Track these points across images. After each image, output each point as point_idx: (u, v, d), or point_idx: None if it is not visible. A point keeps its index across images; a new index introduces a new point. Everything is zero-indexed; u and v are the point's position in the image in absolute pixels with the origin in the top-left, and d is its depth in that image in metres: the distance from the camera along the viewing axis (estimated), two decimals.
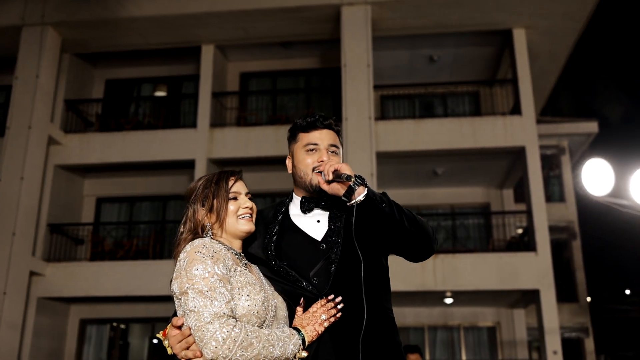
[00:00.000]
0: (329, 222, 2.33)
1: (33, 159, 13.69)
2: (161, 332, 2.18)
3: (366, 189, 2.19)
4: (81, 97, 15.66)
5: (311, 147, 2.37)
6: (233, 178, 2.29)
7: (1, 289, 12.66)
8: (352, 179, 2.14)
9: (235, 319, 1.96)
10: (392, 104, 16.31)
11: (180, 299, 2.01)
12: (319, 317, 2.12)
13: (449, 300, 14.54)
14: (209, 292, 1.92)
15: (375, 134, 13.39)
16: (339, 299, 2.16)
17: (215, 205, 2.21)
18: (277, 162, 14.33)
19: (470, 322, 15.42)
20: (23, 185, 13.37)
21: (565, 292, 17.64)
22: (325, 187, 2.25)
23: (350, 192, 2.17)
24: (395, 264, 11.26)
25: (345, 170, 2.17)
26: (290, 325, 2.16)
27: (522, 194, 14.89)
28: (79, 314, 14.81)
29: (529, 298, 13.74)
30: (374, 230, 2.22)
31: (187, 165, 14.22)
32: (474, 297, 14.20)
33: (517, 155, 13.80)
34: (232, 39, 14.98)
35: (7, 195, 13.27)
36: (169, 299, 11.36)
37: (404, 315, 15.24)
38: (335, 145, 2.40)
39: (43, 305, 13.66)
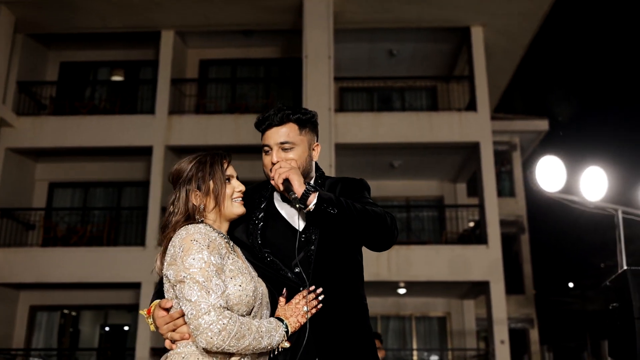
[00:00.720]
0: (306, 215, 2.36)
1: None
2: (145, 309, 2.24)
3: (316, 196, 2.23)
4: (35, 79, 15.28)
5: (265, 148, 2.39)
6: (226, 161, 2.30)
7: None
8: (296, 199, 2.20)
9: (229, 309, 2.03)
10: (351, 96, 16.47)
11: (175, 286, 2.04)
12: (301, 308, 2.20)
13: (402, 291, 14.84)
14: (206, 283, 1.97)
15: (334, 125, 13.51)
16: (319, 290, 2.25)
17: (213, 188, 2.22)
18: (236, 151, 14.30)
19: (421, 312, 15.77)
20: None
21: (513, 284, 18.16)
22: (281, 190, 2.30)
23: (304, 199, 2.22)
24: None
25: (294, 181, 2.22)
26: (273, 313, 2.24)
27: (474, 188, 15.29)
28: (29, 301, 14.51)
29: (479, 289, 14.14)
30: (330, 231, 2.30)
31: (144, 152, 14.07)
32: (426, 288, 14.54)
33: (472, 150, 14.13)
34: (193, 25, 14.85)
35: None
36: (122, 286, 11.33)
37: None
38: (286, 142, 2.36)
39: None
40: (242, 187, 2.30)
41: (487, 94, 13.98)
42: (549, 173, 6.85)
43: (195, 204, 2.22)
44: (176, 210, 2.24)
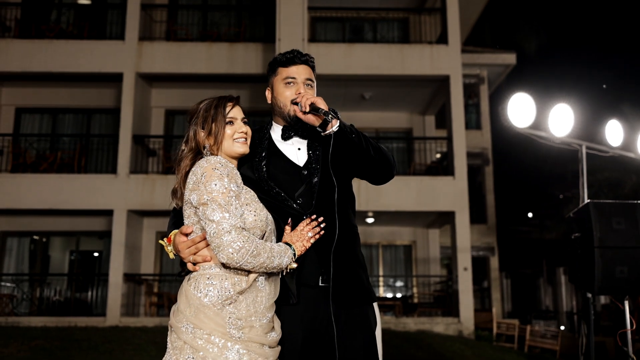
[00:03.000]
0: (307, 151, 2.65)
1: None
2: (165, 238, 2.48)
3: (339, 121, 2.50)
4: None
5: (289, 80, 2.62)
6: (231, 104, 2.47)
7: None
8: (327, 113, 2.44)
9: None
10: (322, 26, 16.36)
11: (198, 208, 2.27)
12: (305, 234, 2.46)
13: (370, 220, 15.27)
14: (227, 206, 2.21)
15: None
16: (321, 218, 2.49)
17: (214, 129, 2.41)
18: (209, 80, 14.25)
19: (388, 241, 16.31)
20: None
21: (476, 214, 18.79)
22: (301, 116, 2.54)
23: (324, 123, 2.48)
24: None
25: (321, 104, 2.45)
26: (279, 240, 2.49)
27: (443, 120, 15.57)
28: None
29: (444, 219, 14.65)
30: (344, 157, 2.57)
31: (115, 79, 13.91)
32: (394, 218, 15.01)
33: (442, 83, 14.32)
34: None
35: None
36: (93, 213, 11.47)
37: None
38: (310, 79, 2.66)
39: None
40: (245, 129, 2.48)
41: (458, 27, 14.08)
42: (520, 109, 7.10)
43: (200, 141, 2.44)
44: (187, 146, 2.47)
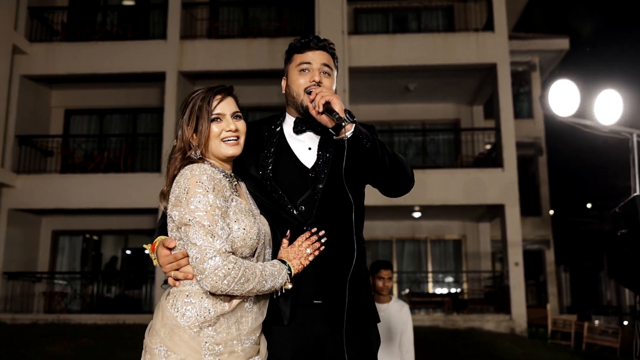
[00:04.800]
0: (318, 151, 2.37)
1: None
2: (149, 244, 2.24)
3: (354, 125, 2.19)
4: (46, 5, 15.08)
5: (304, 66, 2.35)
6: (218, 97, 2.18)
7: None
8: (341, 119, 2.13)
9: (234, 253, 2.02)
10: (365, 18, 16.07)
11: (180, 228, 2.03)
12: (304, 250, 2.20)
13: (417, 214, 14.94)
14: (211, 227, 1.95)
15: (348, 49, 13.27)
16: (322, 233, 2.24)
17: (199, 127, 2.14)
18: (249, 76, 14.19)
19: (437, 235, 15.92)
20: None
21: (529, 206, 18.17)
22: (313, 113, 2.23)
23: (338, 127, 2.18)
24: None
25: (336, 105, 2.15)
26: (275, 251, 2.24)
27: (491, 110, 15.06)
28: (51, 226, 14.88)
29: (494, 212, 14.18)
30: (356, 165, 2.27)
31: (158, 78, 14.00)
32: (441, 211, 14.61)
33: (489, 71, 13.85)
34: None
35: None
36: (140, 211, 11.52)
37: (374, 229, 15.64)
38: (328, 66, 2.38)
39: (14, 216, 13.68)
40: (234, 127, 2.18)
41: (504, 13, 13.57)
42: (562, 97, 6.71)
43: (186, 140, 2.17)
44: (177, 147, 2.20)
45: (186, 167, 2.08)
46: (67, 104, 15.43)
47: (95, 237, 15.87)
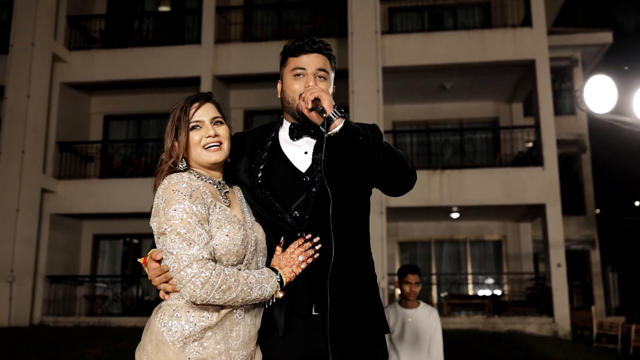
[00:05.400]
0: (313, 154, 2.28)
1: (38, 76, 13.63)
2: (142, 258, 2.20)
3: (344, 120, 2.12)
4: (84, 13, 15.36)
5: (298, 71, 2.28)
6: (196, 105, 2.15)
7: (14, 205, 12.92)
8: (325, 113, 2.09)
9: (215, 260, 1.96)
10: (400, 16, 15.88)
11: (159, 238, 1.99)
12: (296, 258, 2.11)
13: (455, 215, 14.68)
14: (188, 235, 1.90)
15: (381, 48, 13.13)
16: (316, 239, 2.15)
17: (179, 137, 2.12)
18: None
19: (476, 236, 15.62)
20: (30, 103, 13.39)
21: (573, 205, 17.70)
22: (305, 112, 2.20)
23: (328, 122, 2.12)
24: None
25: (325, 100, 2.11)
26: (269, 260, 2.16)
27: (531, 107, 14.72)
28: (91, 230, 15.15)
29: (535, 212, 13.83)
30: (350, 163, 2.18)
31: (193, 82, 14.09)
32: (481, 212, 14.33)
33: (527, 68, 13.54)
34: None
35: (14, 113, 13.31)
36: None
37: (412, 230, 15.47)
38: (324, 70, 2.30)
39: (56, 221, 13.98)
40: (212, 132, 2.13)
41: (543, 8, 13.23)
42: (599, 93, 6.47)
43: (170, 151, 2.14)
44: (164, 158, 2.16)
45: (166, 178, 2.05)
46: (106, 110, 15.69)
47: (135, 241, 16.08)
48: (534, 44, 13.15)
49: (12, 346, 10.17)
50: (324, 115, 2.10)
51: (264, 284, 2.00)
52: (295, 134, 2.32)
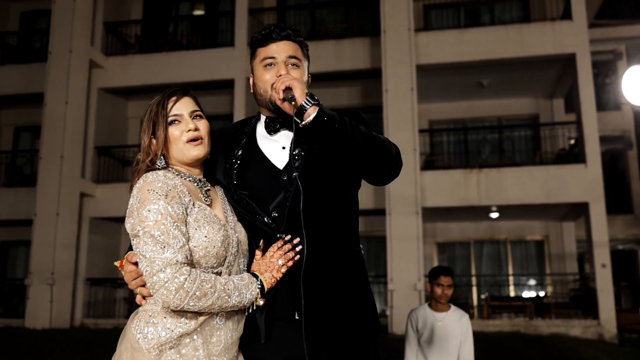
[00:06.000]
0: (291, 150, 2.13)
1: (76, 82, 13.86)
2: (119, 261, 2.10)
3: (317, 108, 1.97)
4: (120, 19, 15.57)
5: (268, 61, 2.15)
6: (173, 98, 2.05)
7: (54, 209, 13.15)
8: (292, 98, 1.96)
9: (191, 264, 1.84)
10: (435, 13, 15.61)
11: (133, 240, 1.89)
12: (275, 262, 1.98)
13: (494, 215, 14.34)
14: (162, 237, 1.79)
15: (415, 46, 12.91)
16: (296, 240, 2.01)
17: (157, 133, 2.01)
18: (316, 79, 14.08)
19: (517, 236, 15.22)
20: (68, 109, 13.62)
21: (619, 204, 17.12)
22: (278, 103, 2.07)
23: (301, 111, 1.98)
24: (437, 181, 11.07)
25: (297, 89, 1.97)
26: (250, 264, 2.05)
27: (573, 103, 14.27)
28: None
29: (579, 211, 13.39)
30: (328, 154, 2.04)
31: (228, 85, 14.13)
32: (521, 211, 13.94)
33: (568, 62, 13.13)
34: None
35: (53, 119, 13.56)
36: None
37: (450, 230, 15.17)
38: (295, 57, 2.16)
39: (95, 224, 14.18)
40: (193, 126, 2.03)
41: (583, 1, 12.80)
42: (638, 84, 6.18)
43: (148, 149, 2.03)
44: (140, 159, 2.06)
45: (141, 177, 1.94)
46: (143, 114, 15.81)
47: None
48: (574, 38, 12.74)
49: (52, 347, 10.33)
50: (295, 103, 1.97)
51: (243, 291, 1.88)
52: (271, 128, 2.18)
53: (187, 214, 1.90)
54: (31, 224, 13.43)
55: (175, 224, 1.83)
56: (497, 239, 15.21)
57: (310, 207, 2.04)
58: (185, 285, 1.76)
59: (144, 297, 1.96)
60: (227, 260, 1.95)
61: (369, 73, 13.59)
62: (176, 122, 2.03)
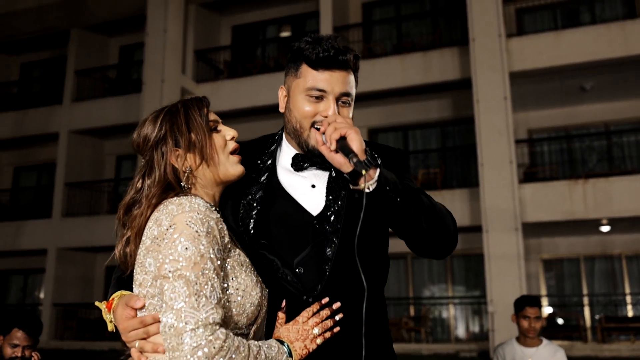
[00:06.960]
0: (327, 194, 1.74)
1: None
2: (105, 302, 1.68)
3: (378, 171, 1.59)
4: (209, 46, 15.88)
5: (317, 93, 1.70)
6: (205, 105, 1.66)
7: None
8: (360, 163, 1.53)
9: (224, 323, 1.43)
10: (528, 17, 14.75)
11: (155, 281, 1.47)
12: (309, 330, 1.59)
13: (605, 228, 13.24)
14: (198, 287, 1.38)
15: (507, 52, 12.23)
16: (336, 305, 1.63)
17: (195, 140, 1.59)
18: (404, 93, 13.71)
19: (633, 251, 13.95)
20: None
21: None
22: (325, 152, 1.64)
23: (356, 172, 1.59)
24: (539, 193, 10.26)
25: (354, 142, 1.56)
26: (268, 321, 1.63)
27: None
28: None
29: None
30: (382, 221, 1.69)
31: None
32: (637, 223, 12.77)
33: None
34: None
35: None
36: None
37: (557, 246, 14.17)
38: (348, 94, 1.72)
39: None
40: (234, 133, 1.66)
41: None
42: None
43: (177, 166, 1.59)
44: (149, 182, 1.60)
45: (170, 201, 1.50)
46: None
47: None
48: None
49: None
50: (353, 160, 1.53)
51: None
52: (299, 166, 1.77)
53: (224, 260, 1.50)
54: None
55: (214, 271, 1.42)
56: (611, 254, 14.00)
57: (349, 270, 1.65)
58: (220, 353, 1.35)
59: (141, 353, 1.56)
60: (256, 322, 1.56)
61: (459, 84, 13.05)
62: (215, 130, 1.65)
